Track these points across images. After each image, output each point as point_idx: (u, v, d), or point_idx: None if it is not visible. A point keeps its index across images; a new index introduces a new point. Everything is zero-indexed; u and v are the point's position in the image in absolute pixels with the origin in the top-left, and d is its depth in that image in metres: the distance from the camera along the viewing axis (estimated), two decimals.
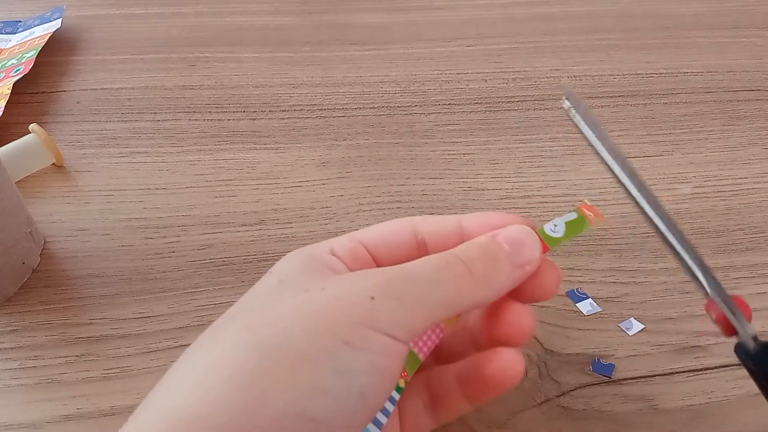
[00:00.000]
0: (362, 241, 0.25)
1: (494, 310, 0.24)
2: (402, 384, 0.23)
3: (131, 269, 0.37)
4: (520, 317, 0.24)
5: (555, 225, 0.25)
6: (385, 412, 0.23)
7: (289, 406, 0.19)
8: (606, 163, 0.25)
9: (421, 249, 0.25)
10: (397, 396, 0.23)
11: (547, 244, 0.25)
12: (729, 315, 0.23)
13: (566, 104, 0.25)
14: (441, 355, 0.26)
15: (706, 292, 0.23)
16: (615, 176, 0.25)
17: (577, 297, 0.35)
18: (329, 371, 0.19)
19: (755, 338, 0.23)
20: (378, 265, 0.25)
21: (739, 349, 0.23)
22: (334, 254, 0.24)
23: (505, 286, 0.23)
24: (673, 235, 0.24)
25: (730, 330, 0.23)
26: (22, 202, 0.36)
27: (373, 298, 0.21)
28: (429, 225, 0.25)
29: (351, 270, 0.24)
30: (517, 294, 0.24)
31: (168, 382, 0.21)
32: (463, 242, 0.25)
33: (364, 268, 0.24)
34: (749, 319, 0.23)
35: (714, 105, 0.49)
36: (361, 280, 0.22)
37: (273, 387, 0.19)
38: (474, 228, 0.25)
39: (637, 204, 0.25)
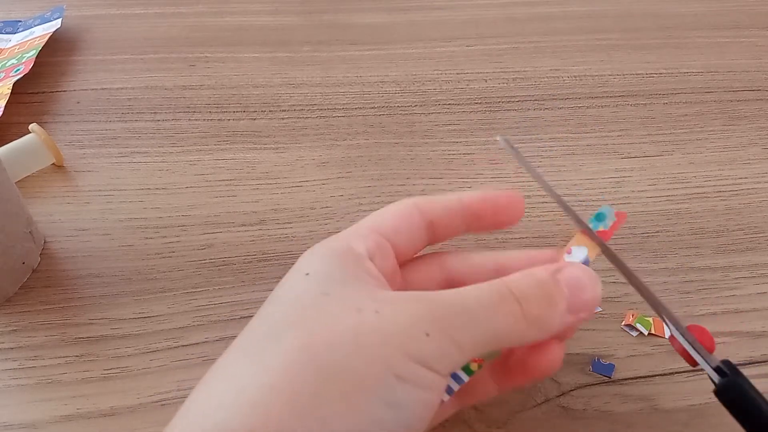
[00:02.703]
0: (386, 234, 0.24)
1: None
2: (474, 368, 0.23)
3: (131, 269, 0.37)
4: (553, 355, 0.24)
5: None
6: (449, 391, 0.23)
7: None
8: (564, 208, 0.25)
9: (429, 231, 0.25)
10: (466, 378, 0.23)
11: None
12: (690, 350, 0.23)
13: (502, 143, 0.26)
14: None
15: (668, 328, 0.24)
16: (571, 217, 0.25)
17: None
18: (384, 403, 0.19)
19: (719, 370, 0.22)
20: (396, 255, 0.25)
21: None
22: (369, 257, 0.23)
23: (555, 330, 0.22)
24: (628, 274, 0.24)
25: (693, 362, 0.23)
26: (22, 202, 0.36)
27: (428, 335, 0.20)
28: (434, 207, 0.25)
29: (381, 270, 0.23)
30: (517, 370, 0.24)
31: (212, 390, 0.20)
32: (468, 221, 0.25)
33: (387, 264, 0.24)
34: (711, 351, 0.23)
35: (714, 105, 0.49)
36: (414, 309, 0.21)
37: (332, 416, 0.19)
38: (475, 205, 0.25)
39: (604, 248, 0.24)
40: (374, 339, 0.20)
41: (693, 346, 0.23)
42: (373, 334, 0.20)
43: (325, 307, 0.21)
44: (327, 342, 0.20)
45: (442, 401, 0.24)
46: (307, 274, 0.22)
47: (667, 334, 0.23)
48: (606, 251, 0.24)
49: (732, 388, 0.22)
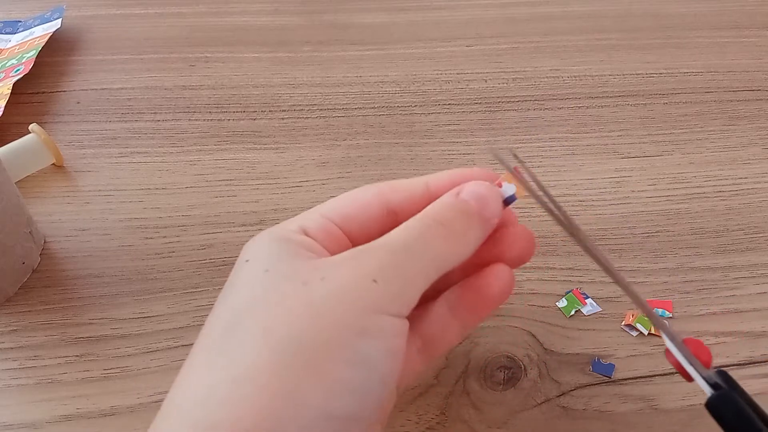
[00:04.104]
0: (332, 218, 0.24)
1: (495, 236, 0.25)
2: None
3: (131, 269, 0.37)
4: (523, 236, 0.25)
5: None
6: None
7: (326, 408, 0.19)
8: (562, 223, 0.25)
9: (391, 218, 0.25)
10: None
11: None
12: (685, 364, 0.23)
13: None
14: (427, 293, 0.26)
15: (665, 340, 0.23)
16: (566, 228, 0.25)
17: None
18: (352, 365, 0.20)
19: (715, 385, 0.22)
20: (351, 241, 0.25)
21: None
22: (307, 235, 0.23)
23: (479, 241, 0.24)
24: (627, 289, 0.24)
25: (688, 377, 0.23)
26: (22, 202, 0.36)
27: (375, 281, 0.21)
28: (398, 193, 0.25)
29: (328, 250, 0.23)
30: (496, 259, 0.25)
31: (186, 391, 0.20)
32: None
33: (340, 247, 0.24)
34: (707, 365, 0.22)
35: (714, 105, 0.49)
36: (357, 264, 0.21)
37: (306, 391, 0.19)
38: (442, 189, 0.25)
39: (595, 258, 0.24)
40: (327, 305, 0.20)
41: (688, 359, 0.22)
42: (326, 301, 0.20)
43: (270, 285, 0.21)
44: (283, 321, 0.20)
45: (412, 355, 0.25)
46: (247, 260, 0.23)
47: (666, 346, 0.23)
48: (603, 266, 0.24)
49: (723, 403, 0.22)
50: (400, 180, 0.26)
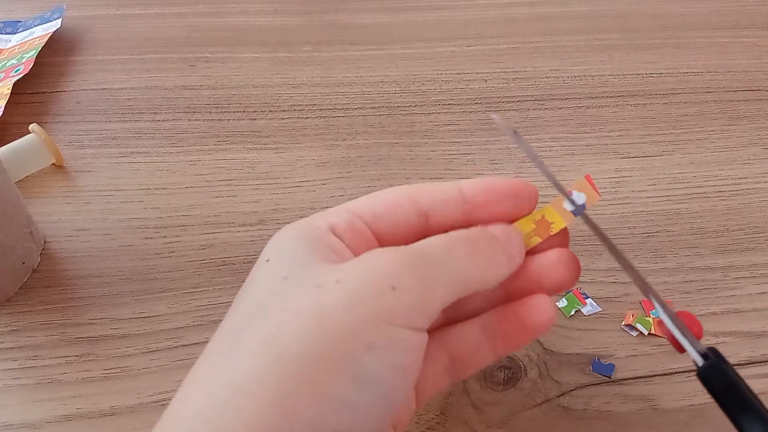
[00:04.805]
0: (362, 215, 0.23)
1: (534, 260, 0.24)
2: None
3: (131, 269, 0.37)
4: (568, 262, 0.24)
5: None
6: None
7: (319, 423, 0.18)
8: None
9: (421, 221, 0.24)
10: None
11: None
12: (677, 334, 0.23)
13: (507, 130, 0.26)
14: (458, 313, 0.25)
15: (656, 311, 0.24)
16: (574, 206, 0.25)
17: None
18: (353, 381, 0.19)
19: (705, 356, 0.23)
20: (379, 241, 0.24)
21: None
22: (335, 233, 0.22)
23: (504, 274, 0.23)
24: (622, 259, 0.24)
25: (680, 348, 0.23)
26: (22, 202, 0.36)
27: (394, 288, 0.19)
28: (430, 195, 0.24)
29: (352, 249, 0.22)
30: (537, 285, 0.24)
31: (187, 397, 0.20)
32: (467, 210, 0.24)
33: (359, 243, 0.23)
34: (699, 337, 0.23)
35: (714, 105, 0.49)
36: (376, 267, 0.20)
37: (301, 404, 0.18)
38: (477, 194, 0.24)
39: (592, 226, 0.24)
40: (337, 310, 0.19)
41: (681, 331, 0.23)
42: (336, 305, 0.19)
43: (285, 292, 0.20)
44: (289, 328, 0.19)
45: (438, 372, 0.24)
46: (268, 260, 0.22)
47: (654, 315, 0.24)
48: (601, 237, 0.24)
49: (715, 372, 0.22)
50: (433, 183, 0.25)
